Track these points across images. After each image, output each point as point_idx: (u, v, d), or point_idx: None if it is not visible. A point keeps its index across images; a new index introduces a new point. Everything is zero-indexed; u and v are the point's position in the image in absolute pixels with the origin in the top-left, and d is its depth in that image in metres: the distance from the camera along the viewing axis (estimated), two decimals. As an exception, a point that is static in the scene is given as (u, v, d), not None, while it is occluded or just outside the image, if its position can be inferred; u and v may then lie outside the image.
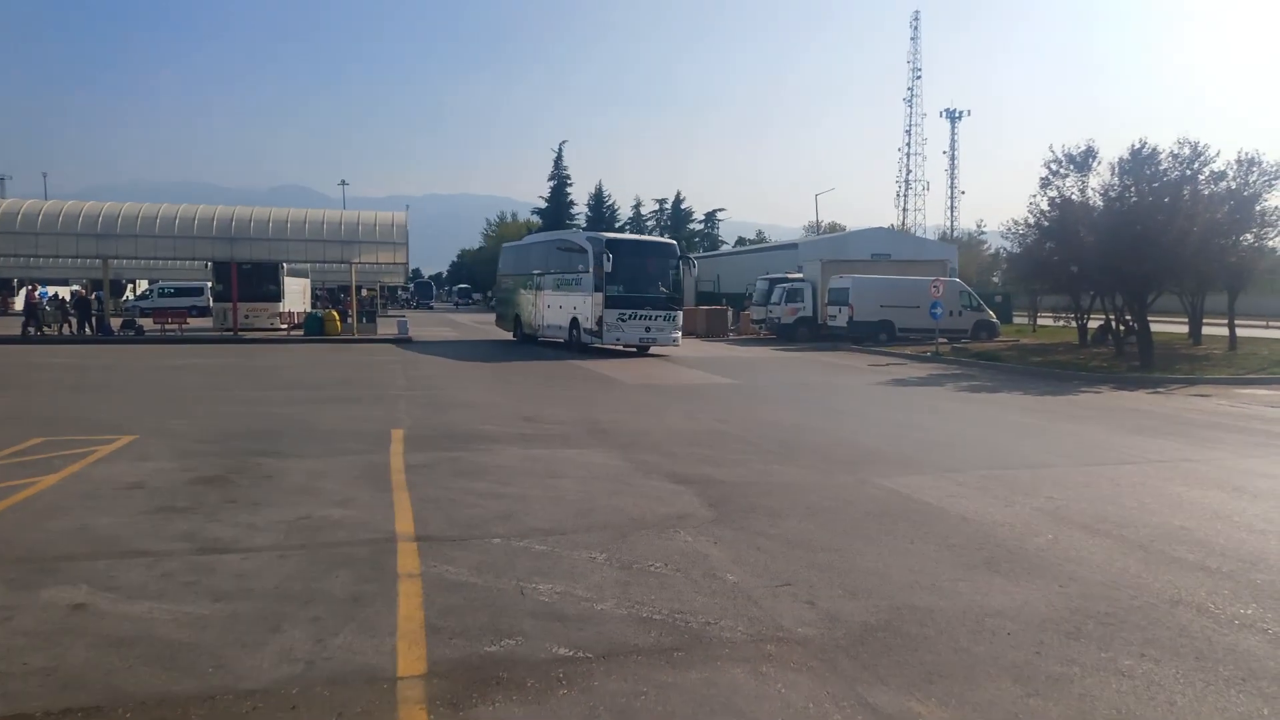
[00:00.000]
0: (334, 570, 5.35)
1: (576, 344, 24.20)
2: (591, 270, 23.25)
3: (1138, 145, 20.85)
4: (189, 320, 32.68)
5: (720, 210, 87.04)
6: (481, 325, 42.27)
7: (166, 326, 29.49)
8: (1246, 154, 21.63)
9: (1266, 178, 21.38)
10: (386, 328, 32.81)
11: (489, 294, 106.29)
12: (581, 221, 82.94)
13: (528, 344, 27.52)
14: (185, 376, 17.26)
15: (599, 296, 23.03)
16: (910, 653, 4.27)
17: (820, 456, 9.48)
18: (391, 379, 17.09)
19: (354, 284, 34.54)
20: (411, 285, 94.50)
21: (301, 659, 4.09)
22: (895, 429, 11.73)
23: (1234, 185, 21.38)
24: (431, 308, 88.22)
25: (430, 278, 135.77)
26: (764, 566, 5.55)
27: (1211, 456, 9.67)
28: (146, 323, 31.07)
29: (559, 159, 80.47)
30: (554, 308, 25.89)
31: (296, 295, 36.96)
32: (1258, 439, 10.88)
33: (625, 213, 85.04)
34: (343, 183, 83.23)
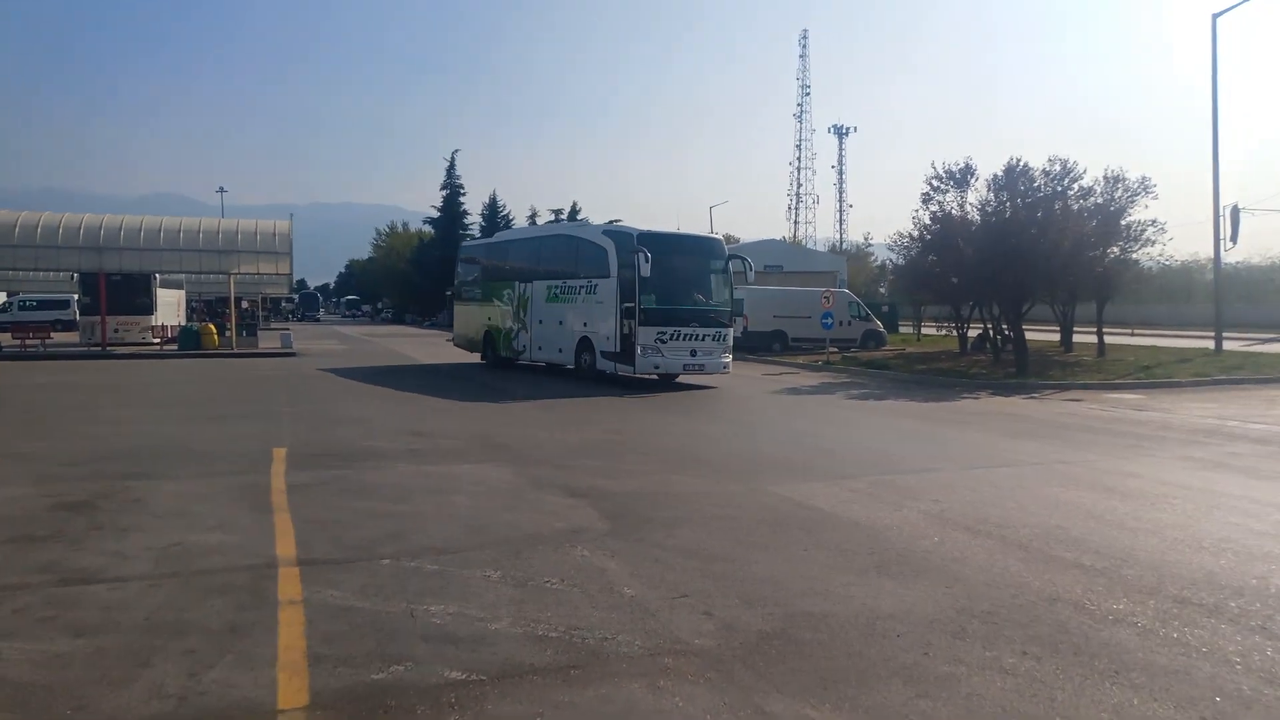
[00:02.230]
0: (209, 599, 5.04)
1: (590, 371, 18.98)
2: (615, 275, 18.03)
3: (1012, 162, 21.93)
4: (53, 335, 30.66)
5: (617, 221, 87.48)
6: (373, 338, 41.17)
7: (27, 342, 27.61)
8: (1112, 171, 23.02)
9: (1130, 193, 22.78)
10: (269, 341, 31.61)
11: (379, 306, 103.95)
12: (475, 231, 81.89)
13: (505, 369, 22.47)
14: (47, 395, 16.17)
15: (628, 309, 17.71)
16: (805, 659, 4.29)
17: (716, 465, 9.54)
18: (274, 395, 16.41)
19: (232, 295, 33.13)
20: (296, 297, 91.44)
21: (174, 694, 3.82)
22: (790, 437, 11.94)
23: (1101, 201, 22.70)
24: (318, 320, 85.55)
25: (317, 289, 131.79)
26: (661, 578, 5.51)
27: (1084, 458, 10.16)
28: (4, 338, 29.04)
29: (452, 167, 79.36)
30: (551, 324, 20.46)
31: (170, 308, 35.26)
32: (1127, 441, 11.51)
33: (520, 222, 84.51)
34: (221, 190, 79.87)
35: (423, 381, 19.42)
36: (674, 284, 18.09)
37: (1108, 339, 26.09)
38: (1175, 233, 30.96)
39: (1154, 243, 23.39)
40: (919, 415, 14.37)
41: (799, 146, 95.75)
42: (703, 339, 18.17)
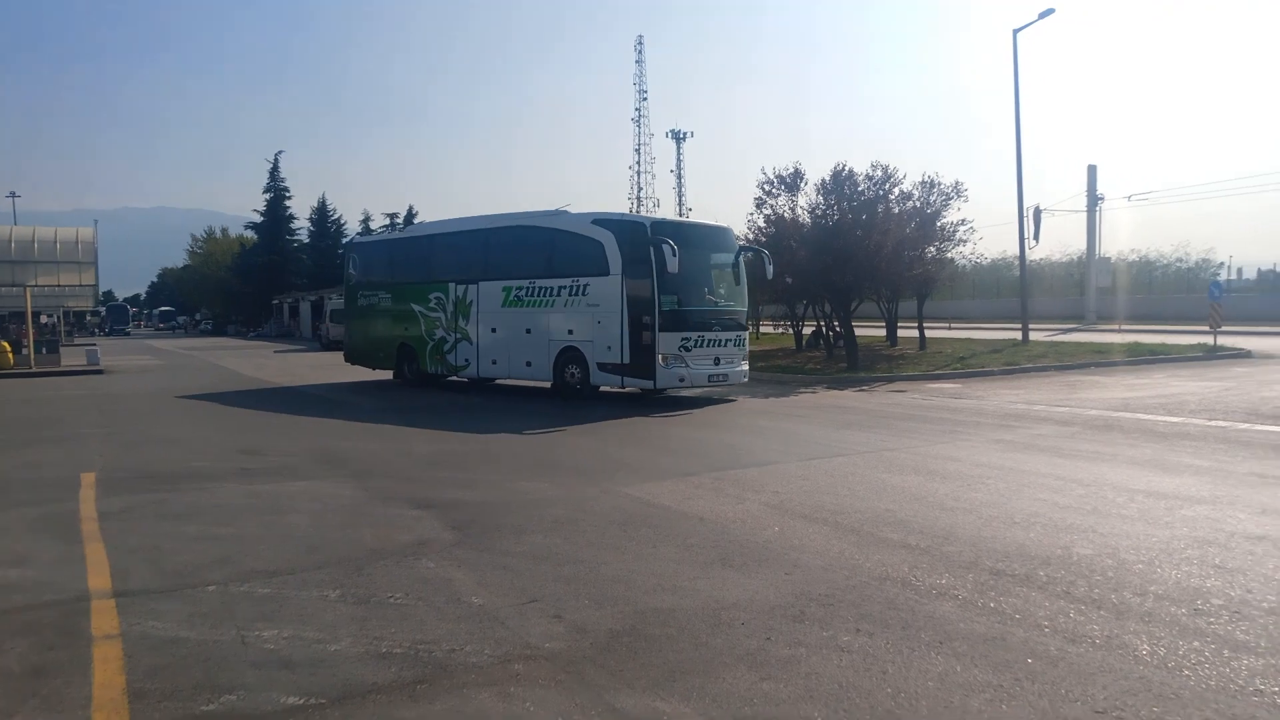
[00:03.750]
0: (9, 641, 4.58)
1: (579, 387, 16.15)
2: (619, 273, 15.34)
3: (838, 167, 23.04)
4: None
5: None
6: (193, 351, 38.64)
7: None
8: (928, 176, 24.56)
9: (944, 197, 24.38)
10: (73, 358, 29.14)
11: (196, 317, 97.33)
12: (303, 236, 78.48)
13: (431, 388, 19.36)
14: None
15: (639, 313, 15.10)
16: (655, 654, 4.34)
17: (567, 469, 9.53)
18: (80, 416, 15.14)
19: (29, 310, 30.33)
20: (103, 309, 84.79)
21: (-38, 752, 3.45)
22: (635, 438, 12.08)
23: (919, 204, 24.19)
24: (128, 334, 79.32)
25: (126, 300, 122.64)
26: (510, 585, 5.44)
27: (909, 445, 10.79)
28: None
29: (275, 169, 75.77)
30: (512, 332, 17.32)
31: (-44, 326, 31.91)
32: (946, 427, 12.30)
33: (354, 227, 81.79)
34: (13, 194, 72.52)
35: (325, 409, 18.39)
36: (693, 282, 15.51)
37: (928, 333, 27.81)
38: (985, 232, 33.45)
39: (966, 242, 25.13)
40: (760, 410, 14.85)
41: (638, 151, 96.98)
42: (725, 345, 15.97)
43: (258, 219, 76.25)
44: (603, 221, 16.18)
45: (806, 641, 4.45)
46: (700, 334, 15.47)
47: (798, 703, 3.80)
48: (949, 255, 25.85)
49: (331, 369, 25.50)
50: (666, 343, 15.03)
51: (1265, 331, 32.88)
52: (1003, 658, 4.20)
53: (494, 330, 17.69)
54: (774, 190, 24.46)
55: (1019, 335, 28.60)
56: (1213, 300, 26.26)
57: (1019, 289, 32.14)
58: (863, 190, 22.62)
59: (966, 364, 21.99)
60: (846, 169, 22.87)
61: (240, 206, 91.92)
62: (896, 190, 23.18)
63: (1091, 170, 48.37)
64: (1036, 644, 4.36)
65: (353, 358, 22.18)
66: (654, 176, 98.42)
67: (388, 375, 21.18)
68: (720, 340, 15.87)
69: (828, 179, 22.92)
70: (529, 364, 17.13)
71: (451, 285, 18.64)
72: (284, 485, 8.73)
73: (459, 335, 18.51)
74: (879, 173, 22.87)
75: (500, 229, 18.45)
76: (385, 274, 21.00)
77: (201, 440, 11.97)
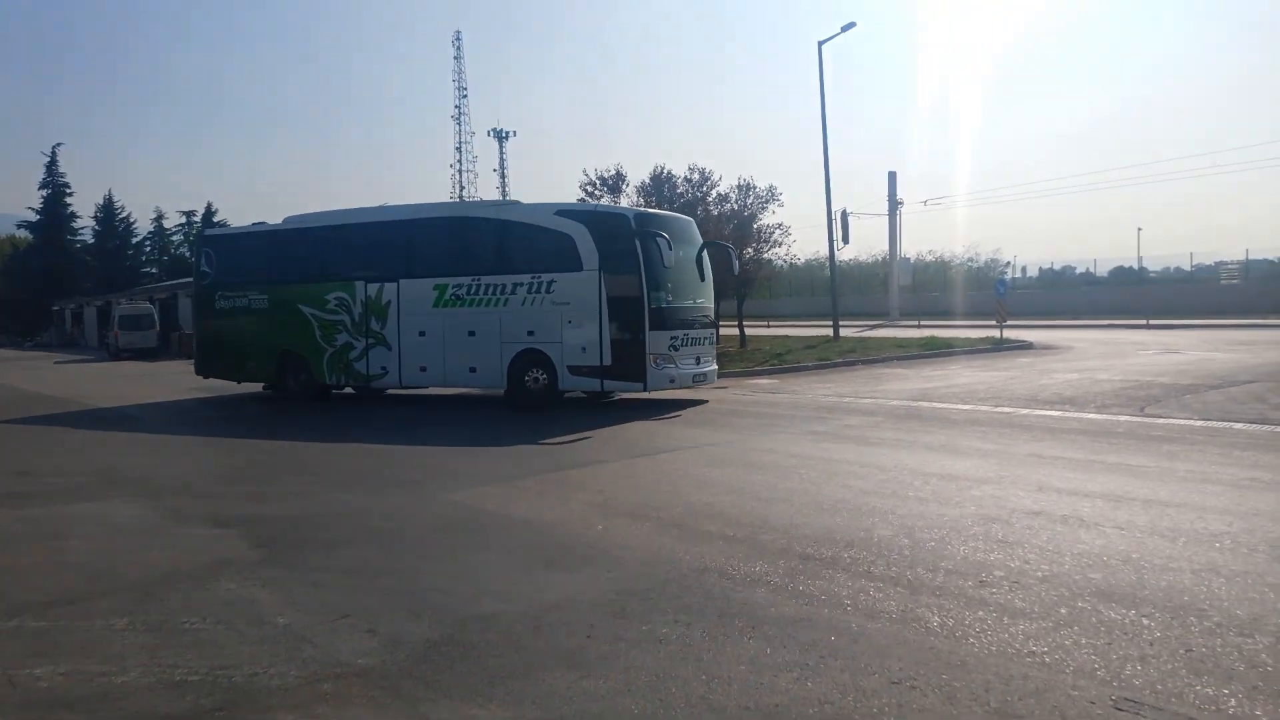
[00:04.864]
0: None
1: (540, 394, 14.86)
2: (596, 268, 14.33)
3: (657, 170, 23.59)
4: None
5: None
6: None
7: None
8: (744, 180, 25.55)
9: (760, 201, 25.44)
10: None
11: None
12: (87, 236, 72.41)
13: (316, 401, 17.30)
14: None
15: (622, 311, 14.23)
16: (474, 661, 4.26)
17: (383, 477, 9.22)
18: None
19: None
20: None
21: None
22: (457, 439, 11.85)
23: (736, 206, 25.12)
24: None
25: None
26: (320, 602, 5.20)
27: (729, 439, 11.15)
28: None
29: (53, 164, 69.52)
30: (449, 336, 15.67)
31: None
32: (764, 421, 12.79)
33: (145, 225, 76.39)
34: None
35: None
36: (676, 277, 14.77)
37: (748, 331, 28.91)
38: (799, 234, 35.27)
39: (781, 244, 26.36)
40: (587, 408, 14.92)
41: (458, 149, 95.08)
42: (703, 343, 15.45)
43: (33, 218, 69.54)
44: (570, 213, 15.29)
45: (626, 636, 4.50)
46: (685, 332, 14.88)
47: (616, 697, 3.83)
48: (766, 256, 26.99)
49: (127, 381, 23.56)
50: (656, 342, 14.25)
51: (1045, 325, 36.28)
52: (809, 637, 4.40)
53: (422, 333, 15.95)
54: (596, 191, 24.73)
55: (831, 332, 30.20)
56: (999, 297, 28.70)
57: (830, 288, 33.92)
58: (682, 192, 23.24)
59: (783, 360, 22.97)
60: (665, 171, 23.46)
61: (13, 205, 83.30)
62: (714, 193, 23.99)
63: (892, 176, 51.81)
64: (839, 622, 4.60)
65: (208, 369, 19.15)
66: (476, 175, 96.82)
67: (249, 388, 18.97)
68: (700, 339, 15.44)
69: (648, 181, 23.40)
70: (474, 369, 15.63)
71: (360, 284, 16.59)
72: (65, 508, 7.96)
73: (371, 340, 16.47)
74: (696, 175, 23.59)
75: (429, 221, 16.73)
76: (258, 272, 18.08)
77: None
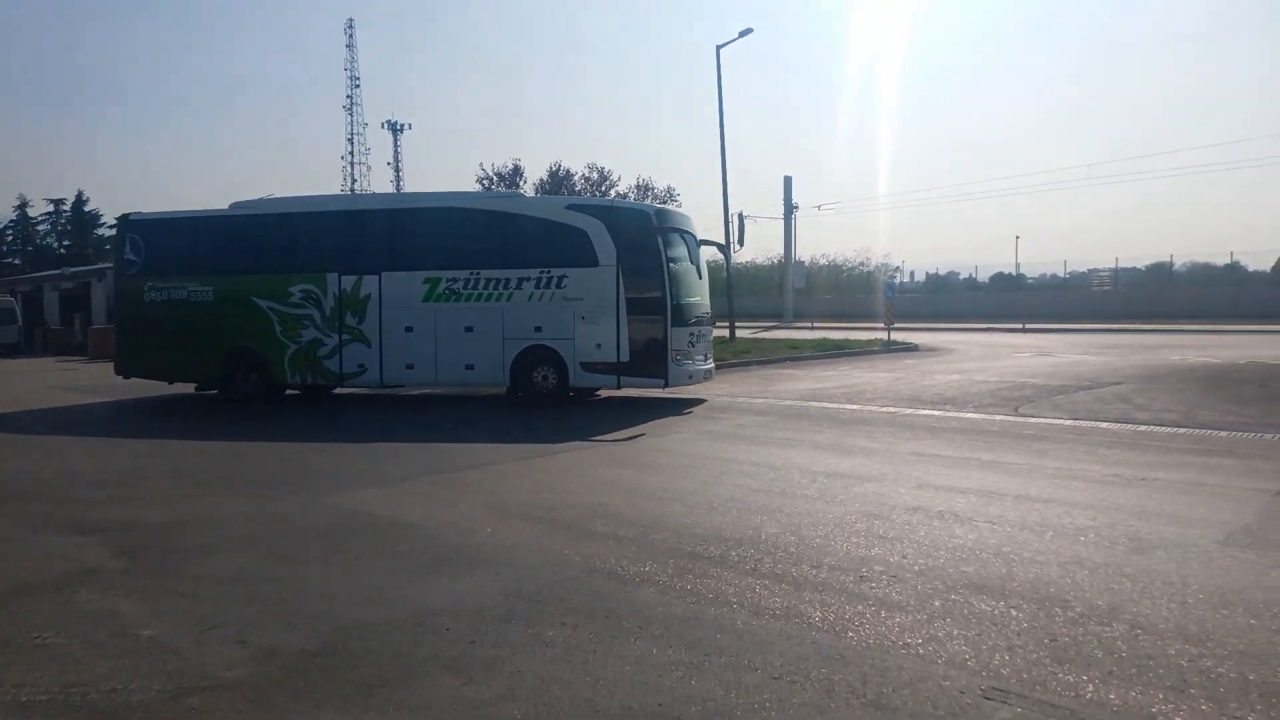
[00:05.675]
0: None
1: (549, 390, 14.62)
2: (614, 264, 14.22)
3: (554, 167, 23.52)
4: None
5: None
6: None
7: None
8: (643, 180, 25.81)
9: (659, 201, 25.65)
10: None
11: None
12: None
13: (268, 401, 15.91)
14: None
15: (641, 308, 14.22)
16: (352, 670, 4.13)
17: (266, 480, 8.86)
18: None
19: None
20: None
21: None
22: (346, 439, 11.50)
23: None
24: None
25: None
26: (189, 612, 4.94)
27: (625, 439, 11.15)
28: None
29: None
30: (441, 332, 15.04)
31: None
32: (662, 420, 12.85)
33: (3, 212, 72.09)
34: None
35: None
36: (689, 274, 15.04)
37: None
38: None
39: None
40: (486, 404, 14.71)
41: (350, 140, 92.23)
42: (708, 338, 15.68)
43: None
44: (583, 207, 15.28)
45: (512, 641, 4.43)
46: (698, 328, 15.08)
47: (499, 703, 3.76)
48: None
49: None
50: (677, 339, 14.30)
51: (930, 327, 37.75)
52: (695, 636, 4.43)
53: (409, 329, 15.18)
54: (493, 187, 24.45)
55: (727, 333, 30.66)
56: (888, 300, 29.72)
57: (727, 290, 34.45)
58: (580, 190, 23.24)
59: (680, 361, 23.17)
60: (563, 169, 23.41)
61: None
62: (613, 192, 24.06)
63: (788, 181, 52.90)
64: (725, 620, 4.65)
65: (132, 368, 17.06)
66: (370, 169, 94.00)
67: (143, 387, 17.31)
68: (707, 334, 15.63)
69: (546, 178, 23.30)
70: (470, 366, 15.09)
71: (332, 276, 15.52)
72: (-93, 518, 7.36)
73: (347, 336, 15.47)
74: (596, 174, 23.66)
75: (418, 211, 15.92)
76: (200, 261, 16.38)
77: None
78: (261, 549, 6.28)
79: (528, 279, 14.68)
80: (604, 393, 15.83)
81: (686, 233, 15.00)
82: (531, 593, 5.17)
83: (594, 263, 14.40)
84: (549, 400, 14.62)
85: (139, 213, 17.18)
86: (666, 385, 14.56)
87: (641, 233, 14.39)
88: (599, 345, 14.40)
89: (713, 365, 16.13)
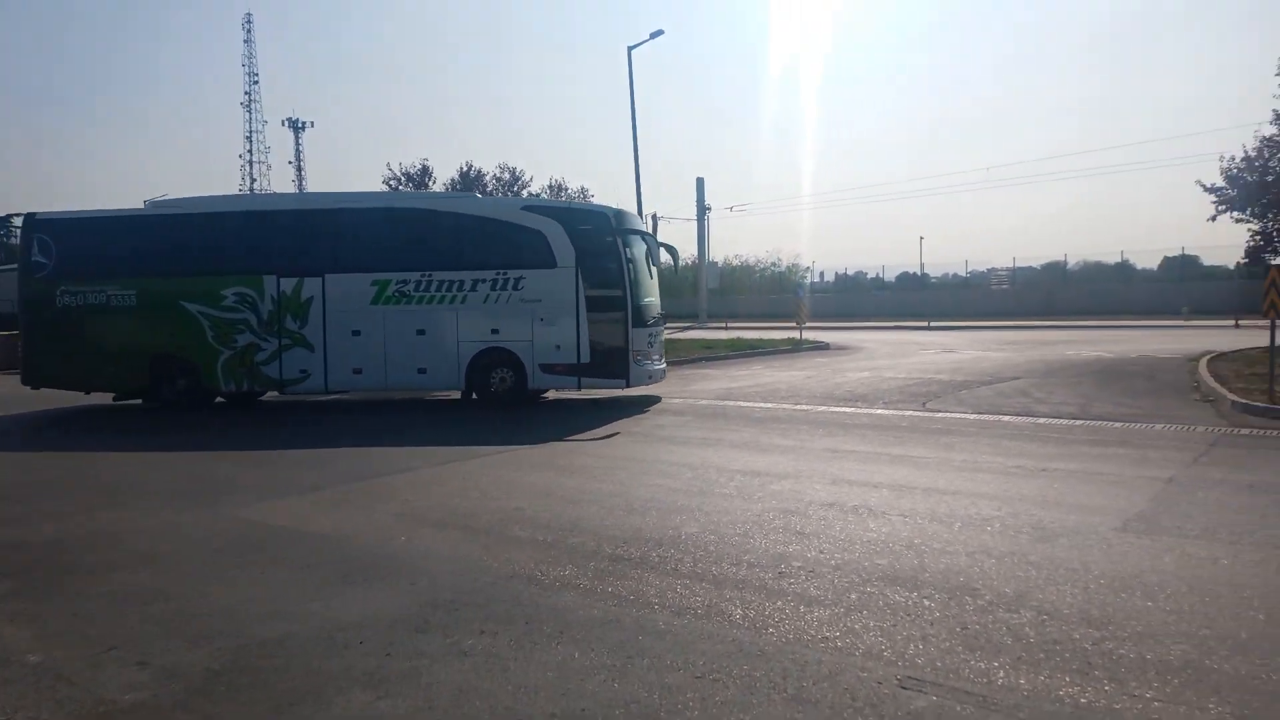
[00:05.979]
0: None
1: (508, 394, 14.55)
2: (572, 265, 14.17)
3: (465, 168, 23.22)
4: None
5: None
6: None
7: None
8: (555, 180, 25.68)
9: (571, 200, 25.53)
10: None
11: None
12: None
13: (199, 411, 15.14)
14: None
15: (601, 308, 14.26)
16: (259, 689, 3.96)
17: (171, 493, 8.46)
18: None
19: None
20: None
21: None
22: (262, 447, 11.08)
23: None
24: None
25: None
26: (82, 634, 4.67)
27: (541, 443, 11.04)
28: None
29: None
30: (390, 335, 14.60)
31: None
32: (582, 422, 12.79)
33: None
34: None
35: None
36: (646, 274, 15.10)
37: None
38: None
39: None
40: (406, 409, 14.39)
41: (249, 139, 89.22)
42: (662, 338, 15.79)
43: None
44: (539, 208, 15.26)
45: (428, 651, 4.32)
46: (655, 328, 15.19)
47: (415, 716, 3.66)
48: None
49: None
50: (638, 339, 14.41)
51: (840, 326, 38.61)
52: (617, 638, 4.40)
53: (356, 333, 14.70)
54: (402, 187, 24.00)
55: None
56: (799, 299, 30.27)
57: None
58: (491, 190, 23.01)
59: (597, 362, 23.13)
60: (474, 169, 23.13)
61: None
62: (526, 192, 23.90)
63: (700, 182, 53.27)
64: (647, 621, 4.63)
65: (41, 377, 15.87)
66: (269, 167, 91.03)
67: (96, 399, 16.07)
68: (660, 334, 15.70)
69: (456, 177, 23.00)
70: (423, 370, 14.75)
71: (270, 279, 14.84)
72: None
73: (287, 341, 14.86)
74: (507, 175, 23.44)
75: (364, 211, 15.40)
76: (119, 264, 15.39)
77: None
78: (161, 565, 5.98)
79: (483, 281, 14.47)
80: (552, 394, 15.78)
81: (645, 234, 15.44)
82: (448, 601, 5.05)
83: (551, 264, 14.32)
84: (506, 402, 14.53)
85: (47, 212, 16.06)
86: (628, 385, 14.58)
87: (601, 234, 14.39)
88: (558, 346, 14.38)
89: (665, 365, 16.23)
